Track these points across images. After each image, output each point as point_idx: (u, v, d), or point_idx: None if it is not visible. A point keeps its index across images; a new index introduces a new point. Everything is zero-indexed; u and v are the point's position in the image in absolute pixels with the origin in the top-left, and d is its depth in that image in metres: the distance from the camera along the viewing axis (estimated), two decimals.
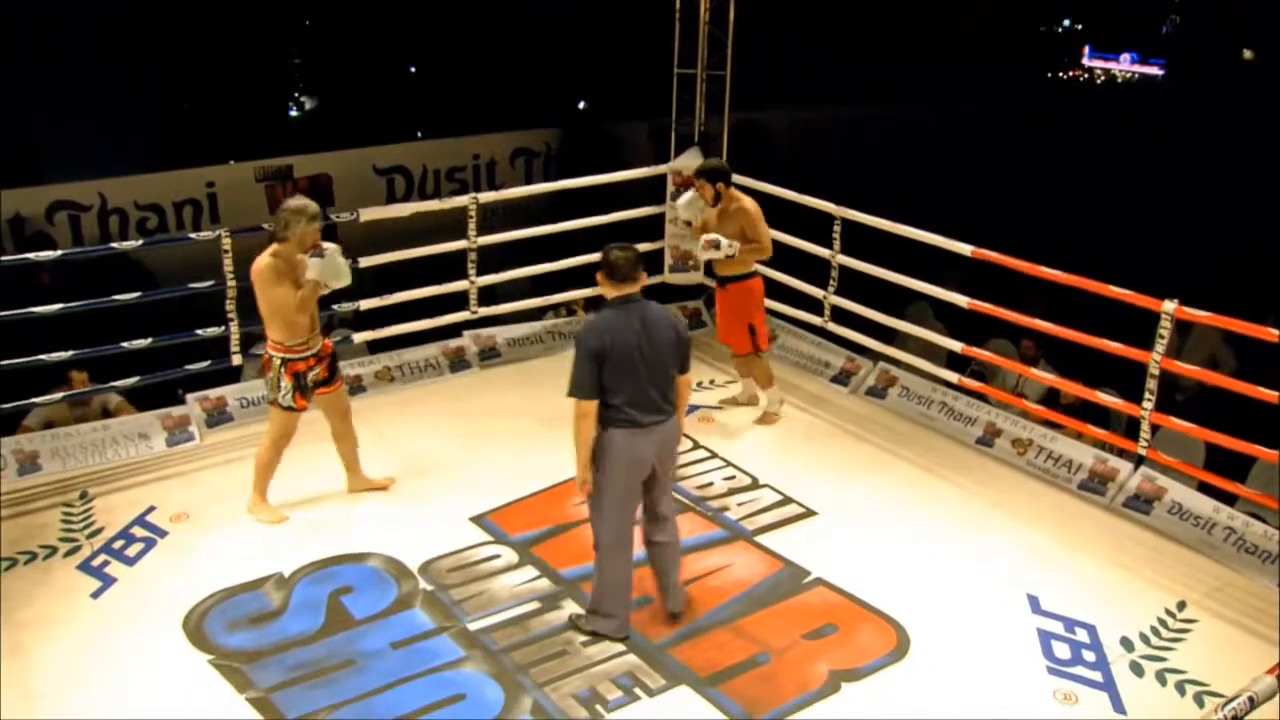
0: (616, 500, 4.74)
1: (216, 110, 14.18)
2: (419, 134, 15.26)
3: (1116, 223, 12.22)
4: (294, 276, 5.48)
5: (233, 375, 7.11)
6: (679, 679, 4.70)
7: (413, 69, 17.82)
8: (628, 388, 4.59)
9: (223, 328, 6.61)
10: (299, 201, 5.58)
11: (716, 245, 6.53)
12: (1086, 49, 31.62)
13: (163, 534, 5.72)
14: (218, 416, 6.84)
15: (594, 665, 4.76)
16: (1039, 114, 17.05)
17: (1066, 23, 31.50)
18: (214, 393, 6.90)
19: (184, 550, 5.59)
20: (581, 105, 16.73)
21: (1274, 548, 5.59)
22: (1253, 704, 2.72)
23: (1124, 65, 31.39)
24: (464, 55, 15.79)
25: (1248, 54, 29.90)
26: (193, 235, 6.79)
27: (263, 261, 5.46)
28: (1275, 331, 5.30)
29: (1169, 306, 5.62)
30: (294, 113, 17.77)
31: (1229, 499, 5.95)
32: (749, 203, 6.68)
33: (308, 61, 17.57)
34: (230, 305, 6.56)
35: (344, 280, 5.61)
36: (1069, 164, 14.47)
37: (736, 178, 8.14)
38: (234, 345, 6.66)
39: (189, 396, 6.85)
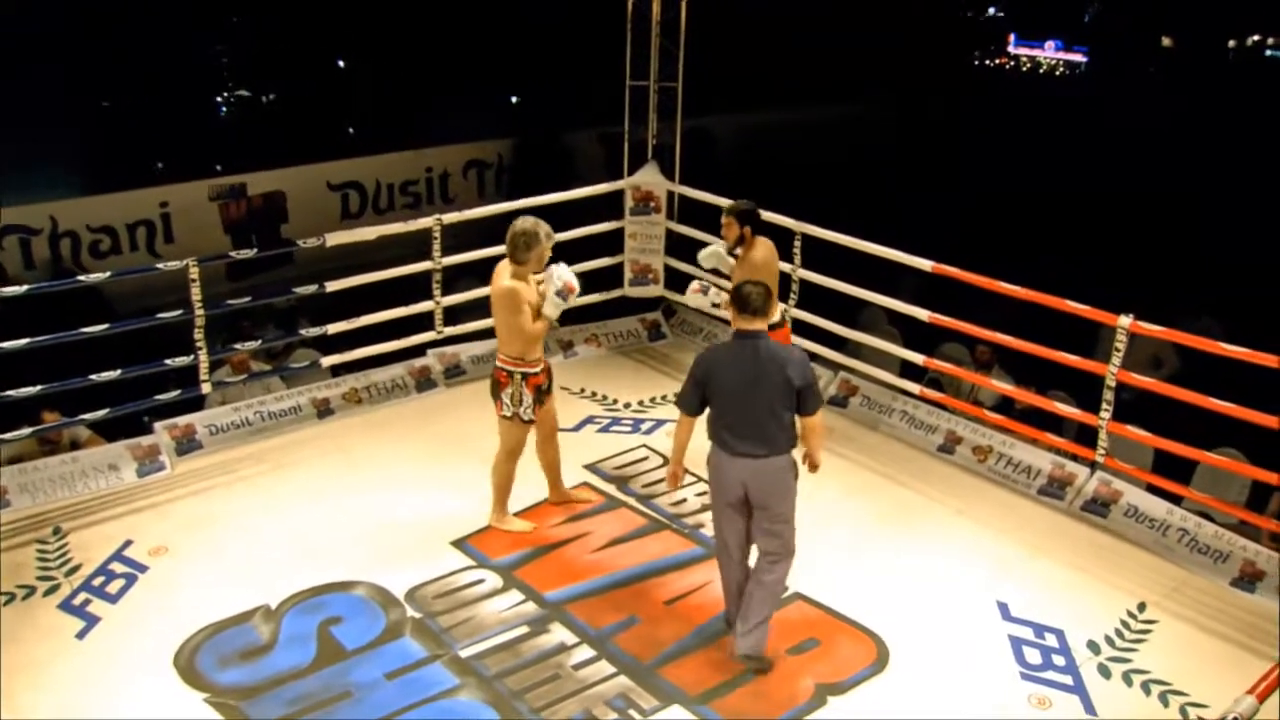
0: (714, 508, 5.08)
1: (142, 110, 13.90)
2: (350, 129, 15.18)
3: (1058, 216, 12.57)
4: (531, 297, 5.55)
5: (198, 403, 7.09)
6: (671, 699, 4.83)
7: (340, 63, 17.62)
8: (728, 415, 4.82)
9: (191, 357, 6.60)
10: (530, 223, 5.58)
11: (704, 293, 6.28)
12: (1012, 37, 32.29)
13: (143, 569, 5.71)
14: (187, 445, 6.81)
15: (587, 688, 4.88)
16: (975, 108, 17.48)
17: (991, 10, 32.08)
18: (182, 420, 6.88)
19: (167, 585, 5.58)
20: (514, 99, 16.69)
21: (1224, 547, 5.87)
22: None
23: (1049, 53, 32.12)
24: (401, 53, 15.65)
25: (1166, 41, 30.74)
26: (160, 266, 6.73)
27: (507, 284, 5.52)
28: (1224, 345, 5.56)
29: (1124, 321, 5.87)
30: (224, 111, 17.48)
31: (1175, 499, 6.23)
32: (761, 255, 6.29)
33: (235, 59, 17.28)
34: (199, 334, 6.55)
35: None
36: (1004, 158, 14.83)
37: (687, 190, 8.35)
38: (203, 374, 6.65)
39: (157, 425, 6.82)
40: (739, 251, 6.37)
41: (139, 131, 13.06)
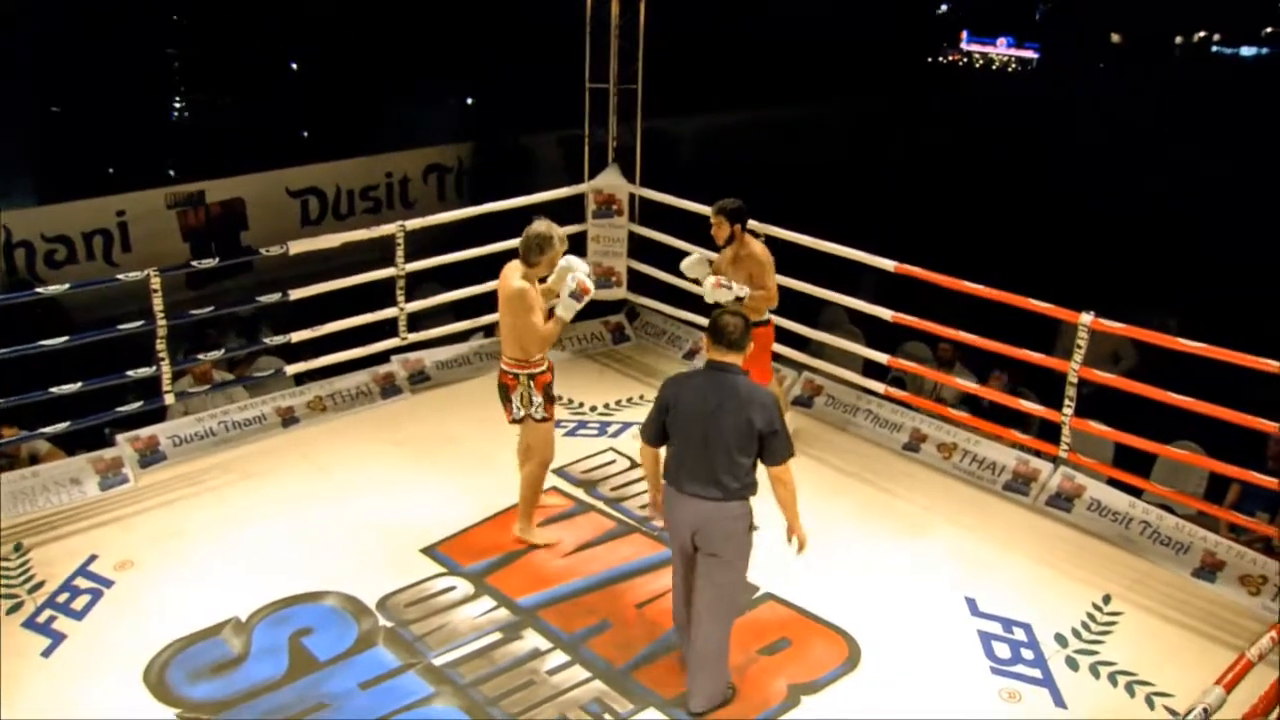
0: (670, 544, 4.87)
1: (91, 114, 13.72)
2: (305, 133, 15.07)
3: (1015, 217, 12.73)
4: (540, 300, 5.52)
5: (159, 414, 7.01)
6: (646, 701, 4.84)
7: (294, 65, 17.47)
8: (681, 449, 4.57)
9: (153, 367, 6.53)
10: (545, 226, 5.53)
11: (728, 287, 6.23)
12: (964, 33, 32.64)
13: (108, 584, 5.63)
14: (150, 456, 6.73)
15: (562, 694, 4.88)
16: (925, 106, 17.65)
17: (944, 8, 32.39)
18: (144, 432, 6.79)
19: (133, 599, 5.51)
20: (470, 101, 16.63)
21: (1185, 539, 5.98)
22: (1207, 715, 2.96)
23: (1001, 49, 32.51)
24: (357, 56, 15.54)
25: (1115, 38, 31.21)
26: (120, 277, 6.63)
27: (517, 286, 5.44)
28: (1186, 341, 5.67)
29: (1086, 319, 5.96)
30: (175, 115, 17.28)
31: (1136, 492, 6.32)
32: (759, 248, 6.37)
33: (186, 61, 17.08)
34: (161, 345, 6.48)
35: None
36: (959, 157, 14.99)
37: (649, 192, 8.37)
38: (166, 384, 6.59)
39: (119, 437, 6.73)
40: (729, 250, 6.39)
41: (91, 138, 12.89)
